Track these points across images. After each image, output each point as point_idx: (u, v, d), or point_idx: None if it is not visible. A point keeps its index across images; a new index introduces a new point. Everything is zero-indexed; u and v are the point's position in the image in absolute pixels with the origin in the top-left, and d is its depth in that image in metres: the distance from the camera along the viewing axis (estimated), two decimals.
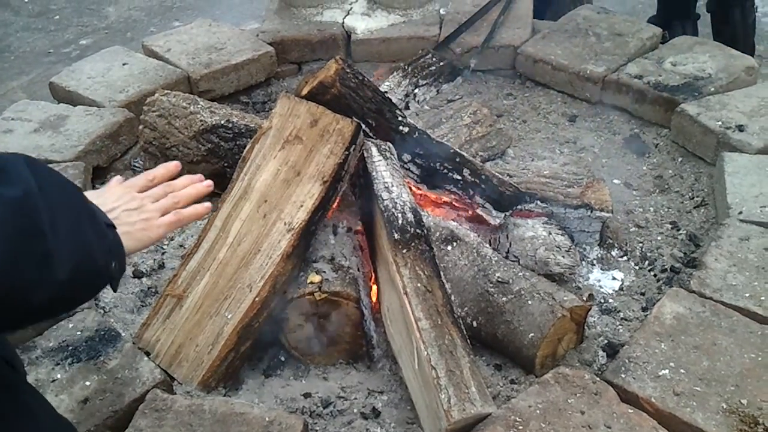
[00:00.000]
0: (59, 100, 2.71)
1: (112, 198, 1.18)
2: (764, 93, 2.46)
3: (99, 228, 1.03)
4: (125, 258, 1.09)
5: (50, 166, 1.04)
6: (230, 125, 2.15)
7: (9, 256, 0.86)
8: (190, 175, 1.34)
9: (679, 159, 2.41)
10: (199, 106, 2.20)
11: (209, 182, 1.34)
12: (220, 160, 2.15)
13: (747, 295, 1.73)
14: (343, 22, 3.08)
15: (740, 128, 2.29)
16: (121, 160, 2.50)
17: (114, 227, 1.08)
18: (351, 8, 3.17)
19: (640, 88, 2.55)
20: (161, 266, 2.07)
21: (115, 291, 1.11)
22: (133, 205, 1.19)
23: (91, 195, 1.13)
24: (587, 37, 2.82)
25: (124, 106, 2.58)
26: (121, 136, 2.48)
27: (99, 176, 2.39)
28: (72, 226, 0.96)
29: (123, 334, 1.76)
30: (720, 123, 2.32)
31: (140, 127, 2.22)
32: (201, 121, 2.15)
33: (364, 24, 3.04)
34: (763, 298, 1.72)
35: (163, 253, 2.12)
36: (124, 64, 2.80)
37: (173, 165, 1.32)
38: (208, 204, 1.31)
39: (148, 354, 1.70)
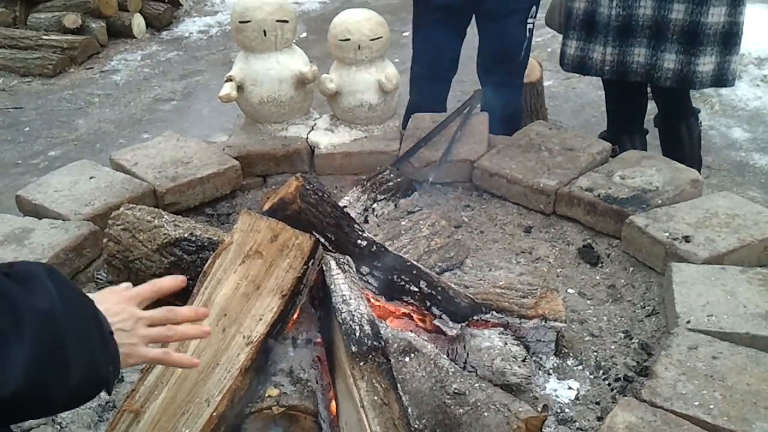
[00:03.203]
0: (25, 213, 2.75)
1: (114, 309, 1.20)
2: (709, 205, 2.58)
3: (104, 337, 1.11)
4: (119, 365, 1.13)
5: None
6: (193, 238, 2.19)
7: (37, 360, 0.96)
8: (197, 308, 1.35)
9: (631, 269, 2.50)
10: (163, 219, 2.25)
11: (208, 329, 1.35)
12: (182, 273, 2.17)
13: (696, 403, 1.78)
14: (307, 137, 3.19)
15: (687, 239, 2.39)
16: (85, 273, 2.52)
17: (112, 333, 1.14)
18: (315, 124, 3.29)
19: (591, 201, 2.66)
20: (120, 380, 2.06)
21: (109, 394, 1.14)
22: (127, 326, 1.20)
23: (96, 298, 1.18)
24: (540, 152, 2.95)
25: (90, 219, 2.62)
26: (85, 248, 2.51)
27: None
28: (85, 338, 1.06)
29: None
30: (667, 234, 2.42)
31: (104, 240, 2.25)
32: (165, 234, 2.19)
33: (327, 139, 3.15)
34: (711, 406, 1.76)
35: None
36: (91, 178, 2.86)
37: (181, 279, 1.34)
38: (196, 360, 1.33)
39: None
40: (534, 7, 3.32)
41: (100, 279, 2.47)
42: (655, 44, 3.06)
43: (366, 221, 2.55)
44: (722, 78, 3.08)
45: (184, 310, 1.31)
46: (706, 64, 3.02)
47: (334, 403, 1.81)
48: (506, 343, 2.01)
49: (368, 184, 2.69)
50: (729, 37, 3.01)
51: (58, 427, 1.89)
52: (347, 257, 1.93)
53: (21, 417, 1.00)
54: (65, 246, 2.45)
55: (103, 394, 1.98)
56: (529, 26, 3.34)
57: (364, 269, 1.97)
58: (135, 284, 1.98)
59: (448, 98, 3.64)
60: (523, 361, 1.98)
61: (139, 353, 1.20)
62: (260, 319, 1.71)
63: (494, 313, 2.07)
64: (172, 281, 1.33)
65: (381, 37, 3.12)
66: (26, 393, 0.94)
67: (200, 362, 1.68)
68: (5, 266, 1.04)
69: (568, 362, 2.11)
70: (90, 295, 1.17)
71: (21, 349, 0.93)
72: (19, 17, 6.66)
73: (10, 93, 5.75)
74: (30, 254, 2.40)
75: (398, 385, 1.66)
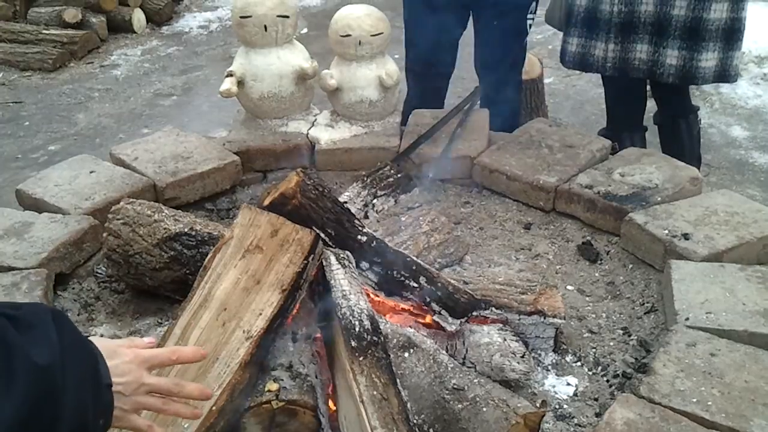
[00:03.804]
0: (25, 207, 2.75)
1: (122, 369, 1.16)
2: (708, 202, 2.58)
3: (98, 390, 1.08)
4: (112, 418, 1.11)
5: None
6: (193, 233, 2.20)
7: (26, 416, 0.92)
8: (205, 389, 1.30)
9: (630, 266, 2.50)
10: (163, 214, 2.26)
11: (200, 412, 1.33)
12: (182, 267, 2.19)
13: (694, 400, 1.78)
14: (307, 133, 3.19)
15: (686, 236, 2.39)
16: (84, 267, 2.52)
17: (111, 386, 1.11)
18: (315, 120, 3.30)
19: (590, 198, 2.67)
20: None
21: None
22: (128, 391, 1.17)
23: (111, 348, 1.16)
24: (540, 149, 2.96)
25: (90, 213, 2.62)
26: (85, 243, 2.51)
27: (61, 282, 2.41)
28: (79, 391, 1.02)
29: None
30: (667, 231, 2.42)
31: (104, 234, 2.26)
32: (165, 228, 2.20)
33: (327, 135, 3.15)
34: (709, 403, 1.77)
35: None
36: (91, 172, 2.86)
37: (202, 353, 1.32)
38: None
39: None
40: (534, 3, 3.32)
41: (100, 273, 2.48)
42: (657, 40, 3.06)
43: (366, 217, 2.55)
44: (725, 74, 3.08)
45: (191, 388, 1.27)
46: (709, 60, 3.02)
47: (333, 398, 1.82)
48: (505, 339, 2.02)
49: (368, 180, 2.69)
50: (731, 33, 3.01)
51: None
52: (347, 252, 1.94)
53: None
54: (65, 240, 2.45)
55: None
56: (529, 22, 3.34)
57: (364, 264, 1.98)
58: (135, 279, 1.99)
59: (448, 95, 3.65)
60: (522, 357, 1.99)
61: (127, 420, 1.18)
62: (260, 314, 1.72)
63: (493, 309, 2.07)
64: (193, 354, 1.31)
65: (382, 33, 3.12)
66: None
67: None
68: (11, 307, 1.01)
69: (567, 358, 2.12)
70: (106, 343, 1.14)
71: (9, 402, 0.90)
72: (19, 11, 6.66)
73: (10, 87, 5.75)
74: (30, 248, 2.40)
75: (397, 380, 1.66)
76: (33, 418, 0.93)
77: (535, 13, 3.35)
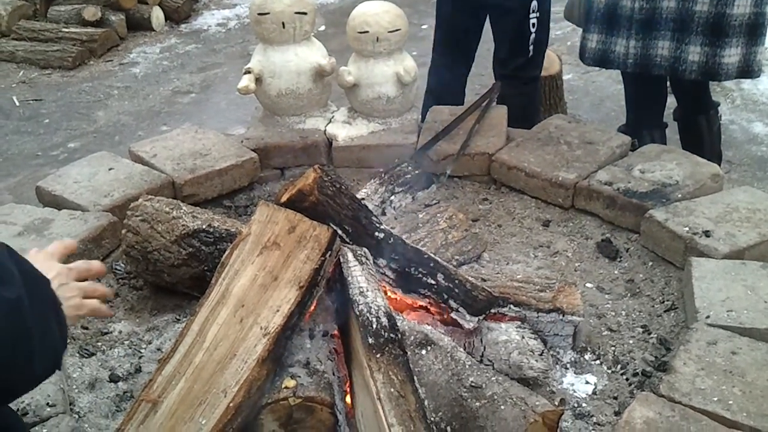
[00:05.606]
0: (45, 204, 2.77)
1: (45, 267, 1.21)
2: (729, 199, 2.55)
3: (60, 317, 1.10)
4: (68, 333, 1.14)
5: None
6: (211, 230, 2.21)
7: (3, 351, 0.93)
8: (100, 263, 1.42)
9: (650, 263, 2.48)
10: (181, 210, 2.27)
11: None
12: (200, 264, 2.19)
13: (715, 399, 1.76)
14: (325, 130, 3.19)
15: (707, 234, 2.36)
16: (103, 263, 2.52)
17: (61, 304, 1.14)
18: (333, 116, 3.29)
19: (610, 195, 2.64)
20: (138, 370, 2.07)
21: (59, 369, 1.12)
22: (64, 279, 1.24)
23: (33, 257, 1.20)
24: (559, 145, 2.94)
25: (109, 210, 2.63)
26: (104, 239, 2.52)
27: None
28: (47, 325, 1.04)
29: None
30: (687, 229, 2.39)
31: (123, 231, 2.27)
32: (183, 225, 2.21)
33: (345, 131, 3.15)
34: (730, 402, 1.75)
35: (140, 357, 2.13)
36: (110, 169, 2.87)
37: (71, 242, 1.41)
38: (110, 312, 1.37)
39: None
40: (534, 2, 3.31)
41: (119, 270, 2.49)
42: (680, 37, 3.03)
43: (383, 214, 2.54)
44: (748, 70, 3.05)
45: (96, 263, 1.40)
46: (732, 56, 2.98)
47: (350, 395, 1.81)
48: (523, 337, 2.00)
49: (386, 177, 2.69)
50: (755, 28, 2.97)
51: (77, 417, 1.91)
52: (364, 249, 1.93)
53: None
54: (84, 237, 2.47)
55: (120, 383, 2.01)
56: (532, 21, 3.34)
57: (382, 261, 1.97)
58: (153, 275, 2.01)
59: (467, 92, 3.64)
60: (541, 355, 1.98)
61: (82, 304, 1.24)
62: (277, 311, 1.71)
63: (511, 306, 2.06)
64: (65, 244, 1.38)
65: (399, 30, 3.11)
66: None
67: (218, 353, 1.69)
68: None
69: (586, 356, 2.10)
70: (38, 262, 1.18)
71: None
72: (39, 10, 6.72)
73: (31, 85, 5.80)
74: (49, 244, 2.41)
75: (415, 378, 1.66)
76: (12, 352, 0.94)
77: (537, 12, 3.34)
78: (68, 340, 1.15)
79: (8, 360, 0.94)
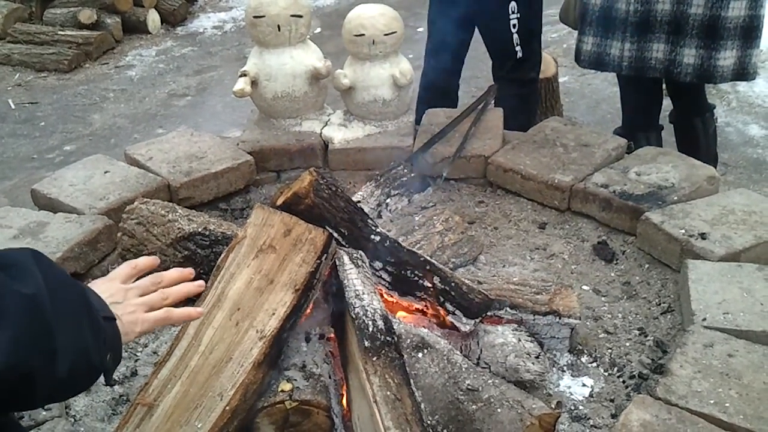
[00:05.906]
0: (40, 207, 2.76)
1: (100, 288, 1.20)
2: (725, 202, 2.55)
3: (96, 325, 1.08)
4: (121, 350, 1.12)
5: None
6: (207, 233, 2.20)
7: (22, 346, 0.92)
8: (181, 268, 1.35)
9: (646, 265, 2.48)
10: (177, 213, 2.26)
11: (201, 282, 1.35)
12: (196, 267, 2.17)
13: (712, 401, 1.76)
14: (320, 133, 3.18)
15: (703, 236, 2.37)
16: (99, 267, 2.53)
17: (113, 319, 1.12)
18: (329, 119, 3.29)
19: (606, 197, 2.64)
20: (134, 374, 2.07)
21: (108, 383, 1.12)
22: (119, 298, 1.21)
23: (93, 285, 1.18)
24: (555, 148, 2.94)
25: (104, 213, 2.63)
26: (99, 242, 2.52)
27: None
28: (74, 325, 1.02)
29: None
30: (683, 231, 2.39)
31: (119, 234, 2.26)
32: (179, 228, 2.20)
33: (340, 134, 3.15)
34: (727, 404, 1.75)
35: (136, 361, 2.12)
36: (105, 172, 2.87)
37: (153, 259, 1.34)
38: (200, 309, 1.33)
39: None
40: (513, 3, 3.33)
41: None
42: (674, 39, 3.03)
43: (379, 216, 2.54)
44: (743, 72, 3.05)
45: (170, 272, 1.32)
46: (727, 58, 2.99)
47: (346, 398, 1.81)
48: (520, 340, 2.00)
49: (382, 180, 2.68)
50: (750, 31, 2.97)
51: (72, 420, 1.90)
52: (360, 252, 1.93)
53: (3, 403, 0.97)
54: (80, 240, 2.46)
55: (116, 387, 2.00)
56: (513, 22, 3.36)
57: (378, 264, 1.97)
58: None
59: (464, 95, 3.64)
60: (537, 357, 1.97)
61: (142, 319, 1.20)
62: (273, 314, 1.71)
63: (508, 309, 2.06)
64: (146, 260, 1.33)
65: (395, 32, 3.11)
66: (8, 377, 0.91)
67: (213, 357, 1.69)
68: None
69: (583, 359, 2.10)
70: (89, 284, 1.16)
71: (3, 332, 0.91)
72: (35, 13, 6.71)
73: (26, 88, 5.79)
74: (45, 248, 2.41)
75: (411, 381, 1.65)
76: (29, 350, 0.92)
77: (517, 13, 3.35)
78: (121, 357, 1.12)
79: (29, 354, 0.93)
